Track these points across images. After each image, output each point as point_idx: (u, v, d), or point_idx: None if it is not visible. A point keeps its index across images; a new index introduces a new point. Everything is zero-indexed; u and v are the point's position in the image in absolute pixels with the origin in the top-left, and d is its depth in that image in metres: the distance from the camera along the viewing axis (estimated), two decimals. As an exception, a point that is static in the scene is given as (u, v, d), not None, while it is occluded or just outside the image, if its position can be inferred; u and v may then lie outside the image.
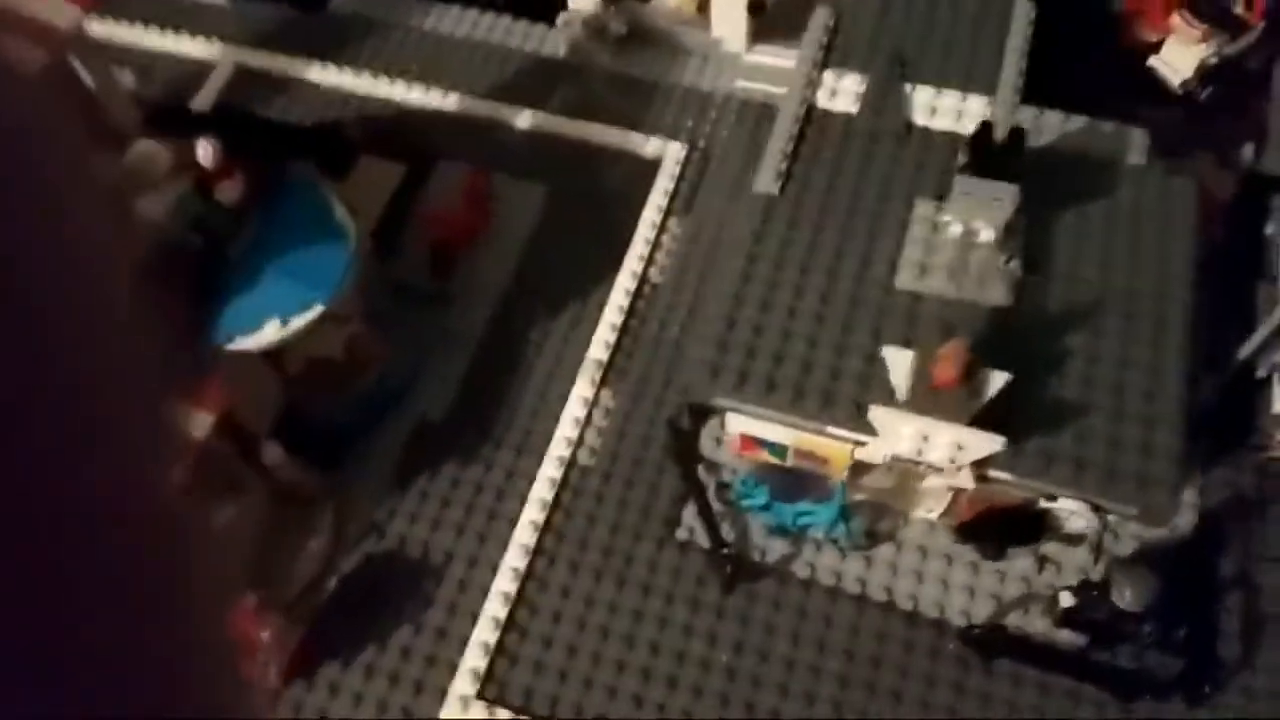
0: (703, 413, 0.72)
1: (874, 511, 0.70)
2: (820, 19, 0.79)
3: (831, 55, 0.78)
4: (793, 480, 0.68)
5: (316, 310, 0.66)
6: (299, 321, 0.65)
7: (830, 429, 0.62)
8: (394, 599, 0.72)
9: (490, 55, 0.98)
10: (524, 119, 0.93)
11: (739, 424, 0.65)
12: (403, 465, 0.77)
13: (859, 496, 0.69)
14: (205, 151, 0.62)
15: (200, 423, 0.63)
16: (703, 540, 0.72)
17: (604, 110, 0.92)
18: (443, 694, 0.68)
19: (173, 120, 0.65)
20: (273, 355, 0.67)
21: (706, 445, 0.74)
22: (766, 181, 0.71)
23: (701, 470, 0.72)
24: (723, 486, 0.72)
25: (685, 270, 0.83)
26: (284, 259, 0.65)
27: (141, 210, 0.60)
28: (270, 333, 0.65)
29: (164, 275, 0.63)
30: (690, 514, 0.73)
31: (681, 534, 0.73)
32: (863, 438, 0.61)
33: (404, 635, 0.71)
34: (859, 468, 0.64)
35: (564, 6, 0.95)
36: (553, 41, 0.98)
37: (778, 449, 0.66)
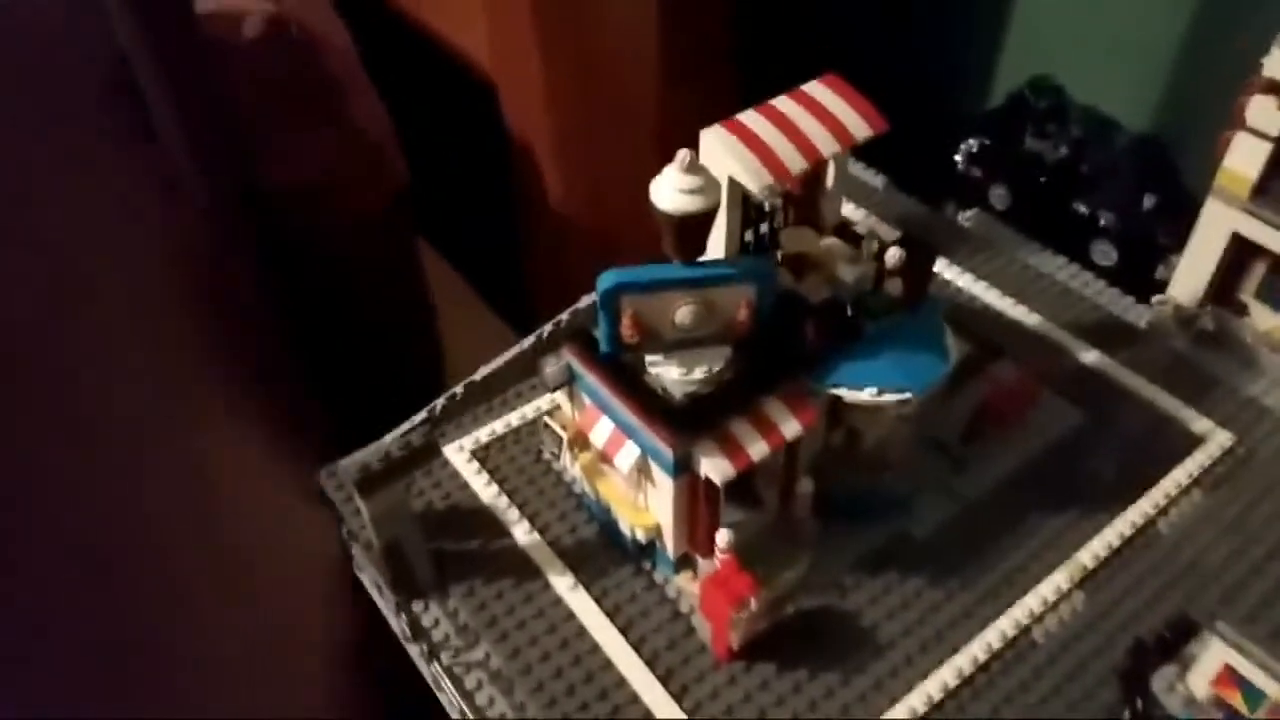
0: (1186, 633, 0.76)
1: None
2: None
3: None
4: (1247, 735, 0.70)
5: (905, 396, 0.82)
6: (887, 398, 0.81)
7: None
8: (828, 650, 0.83)
9: (1078, 300, 1.13)
10: (1090, 356, 1.05)
11: (1225, 656, 0.69)
12: (878, 554, 0.90)
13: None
14: (896, 255, 0.82)
15: (790, 427, 0.80)
16: (1121, 757, 0.75)
17: (1165, 378, 1.02)
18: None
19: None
20: (839, 413, 0.85)
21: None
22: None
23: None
24: (1169, 718, 0.75)
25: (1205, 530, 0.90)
26: (898, 351, 0.83)
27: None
28: (864, 395, 0.82)
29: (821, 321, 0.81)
30: (1120, 729, 0.77)
31: (1104, 741, 0.76)
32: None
33: (827, 681, 0.81)
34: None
35: (1163, 289, 1.08)
36: (1139, 313, 1.10)
37: (1255, 696, 0.69)
